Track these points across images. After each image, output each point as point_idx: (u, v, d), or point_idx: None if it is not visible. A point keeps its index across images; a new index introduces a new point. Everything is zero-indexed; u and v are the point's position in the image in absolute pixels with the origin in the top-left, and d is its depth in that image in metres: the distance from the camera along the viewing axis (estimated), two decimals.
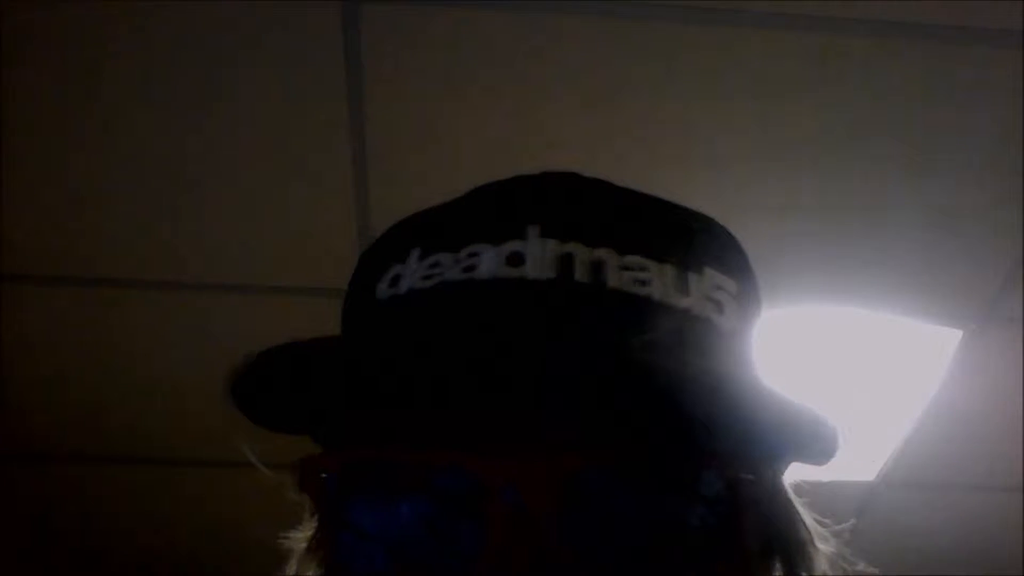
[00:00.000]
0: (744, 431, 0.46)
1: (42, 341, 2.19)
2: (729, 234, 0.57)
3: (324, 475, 0.49)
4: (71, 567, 2.98)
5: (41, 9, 1.51)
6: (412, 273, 0.52)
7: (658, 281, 0.50)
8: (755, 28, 1.53)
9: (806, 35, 1.54)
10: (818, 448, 0.49)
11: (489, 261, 0.50)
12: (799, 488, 0.55)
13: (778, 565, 0.53)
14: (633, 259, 0.50)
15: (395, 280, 0.52)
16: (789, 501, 0.54)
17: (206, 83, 1.62)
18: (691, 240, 0.53)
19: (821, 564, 0.54)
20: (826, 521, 0.56)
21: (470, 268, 0.50)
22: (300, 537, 0.58)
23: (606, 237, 0.51)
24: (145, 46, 1.56)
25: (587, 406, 0.46)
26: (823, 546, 0.55)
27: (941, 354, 2.17)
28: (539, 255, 0.50)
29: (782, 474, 0.53)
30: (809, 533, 0.54)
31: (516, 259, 0.50)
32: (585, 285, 0.49)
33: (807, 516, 0.55)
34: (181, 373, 2.26)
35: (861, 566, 0.59)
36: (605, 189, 0.56)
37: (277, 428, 0.52)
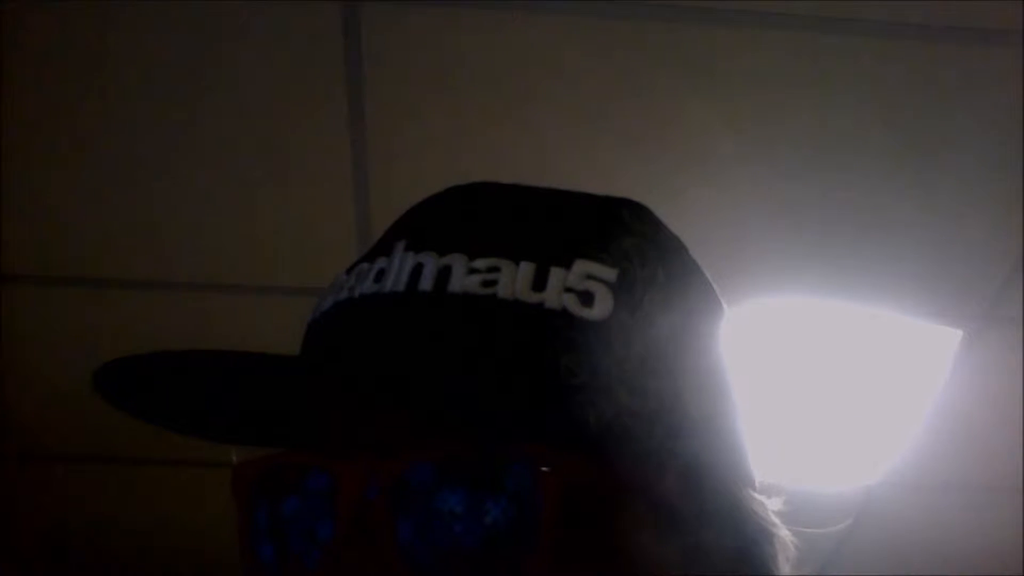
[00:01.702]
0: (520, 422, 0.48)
1: (42, 341, 2.19)
2: (640, 219, 0.57)
3: (240, 479, 0.55)
4: (71, 567, 2.98)
5: (41, 9, 1.51)
6: (323, 298, 0.57)
7: (507, 280, 0.51)
8: (755, 28, 1.53)
9: (806, 35, 1.54)
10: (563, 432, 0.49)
11: (363, 279, 0.55)
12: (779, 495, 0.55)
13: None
14: (483, 262, 0.52)
15: (321, 302, 0.58)
16: (729, 520, 0.53)
17: (206, 83, 1.62)
18: (568, 234, 0.54)
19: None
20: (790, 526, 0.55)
21: (351, 288, 0.55)
22: None
23: (458, 243, 0.53)
24: (145, 46, 1.56)
25: (416, 405, 0.49)
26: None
27: (941, 354, 2.17)
28: (396, 269, 0.53)
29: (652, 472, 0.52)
30: (760, 563, 0.53)
31: (380, 275, 0.54)
32: (425, 293, 0.52)
33: (769, 540, 0.54)
34: None
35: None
36: (498, 195, 0.58)
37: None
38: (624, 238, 0.55)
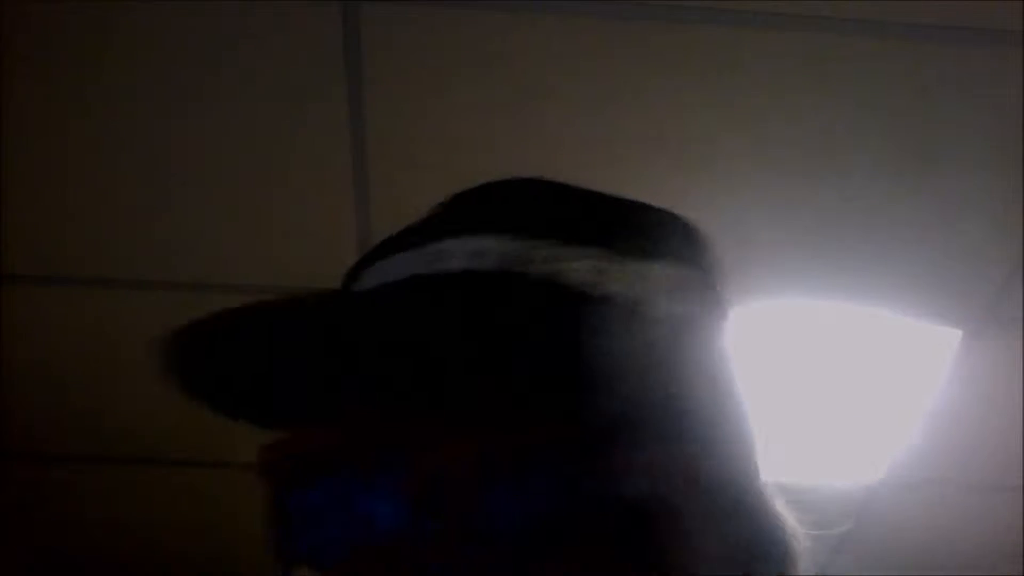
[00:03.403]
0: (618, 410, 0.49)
1: (42, 341, 2.19)
2: (684, 226, 0.60)
3: (281, 459, 0.53)
4: (71, 567, 2.98)
5: (41, 9, 1.51)
6: (380, 271, 0.56)
7: (576, 269, 0.53)
8: (755, 28, 1.53)
9: (806, 35, 1.54)
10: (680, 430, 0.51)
11: (450, 257, 0.54)
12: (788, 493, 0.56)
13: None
14: (552, 250, 0.54)
15: (366, 277, 0.57)
16: (752, 513, 0.54)
17: (206, 83, 1.62)
18: (627, 233, 0.56)
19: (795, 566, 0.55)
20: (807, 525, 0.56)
21: (432, 262, 0.54)
22: None
23: (524, 229, 0.55)
24: (144, 46, 1.56)
25: (495, 387, 0.50)
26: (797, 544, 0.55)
27: (941, 354, 2.17)
28: (459, 251, 0.54)
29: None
30: (779, 556, 0.54)
31: (443, 256, 0.54)
32: (495, 274, 0.53)
33: (787, 535, 0.55)
34: None
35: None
36: (559, 190, 0.60)
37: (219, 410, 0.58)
38: (674, 243, 0.57)
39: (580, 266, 0.53)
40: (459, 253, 0.54)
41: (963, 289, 2.01)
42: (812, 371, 2.22)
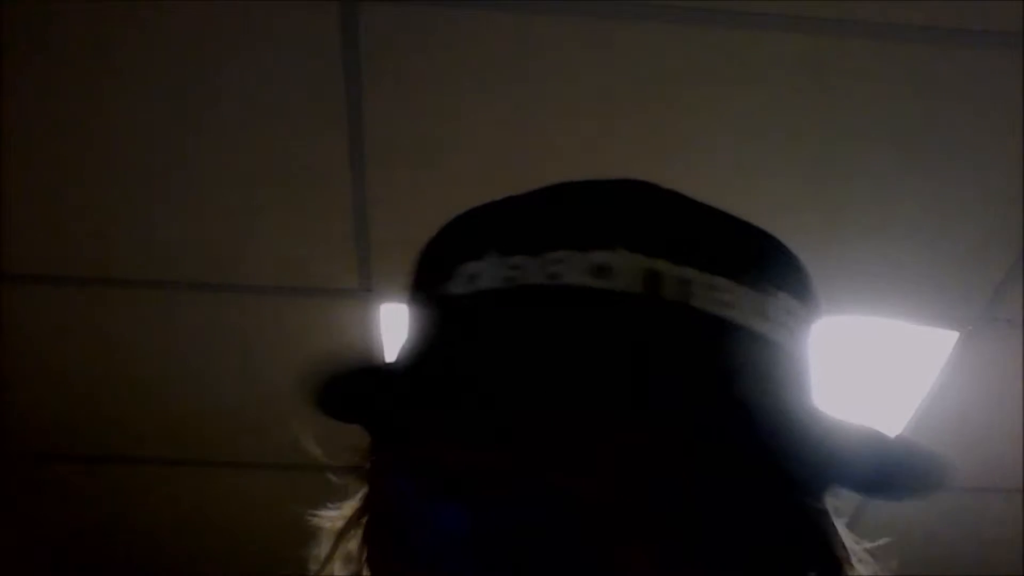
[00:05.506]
0: (821, 464, 0.48)
1: (42, 341, 2.19)
2: (793, 255, 0.58)
3: (409, 467, 0.51)
4: (71, 567, 2.98)
5: (41, 9, 1.51)
6: (490, 273, 0.52)
7: (739, 304, 0.51)
8: (755, 28, 1.54)
9: (806, 35, 1.54)
10: (906, 481, 0.52)
11: (574, 269, 0.50)
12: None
13: None
14: (717, 280, 0.51)
15: (472, 279, 0.52)
16: (831, 523, 0.56)
17: (205, 83, 1.63)
18: (765, 261, 0.55)
19: None
20: (862, 542, 0.59)
21: (554, 275, 0.50)
22: (336, 515, 0.60)
23: (691, 255, 0.51)
24: (144, 46, 1.56)
25: (680, 422, 0.47)
26: (860, 568, 0.57)
27: (937, 356, 2.17)
28: (626, 268, 0.50)
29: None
30: (846, 553, 0.57)
31: (603, 271, 0.50)
32: (672, 304, 0.50)
33: (846, 537, 0.57)
34: (181, 373, 2.26)
35: None
36: (683, 203, 0.57)
37: (347, 420, 0.53)
38: (798, 275, 0.56)
39: (743, 301, 0.51)
40: (579, 266, 0.50)
41: (960, 291, 2.01)
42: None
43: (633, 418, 0.47)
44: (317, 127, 1.70)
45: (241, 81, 1.62)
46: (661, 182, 0.59)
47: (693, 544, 0.48)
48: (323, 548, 0.61)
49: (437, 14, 1.52)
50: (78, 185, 1.81)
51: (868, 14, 1.51)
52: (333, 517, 0.60)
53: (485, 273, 0.51)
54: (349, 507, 0.59)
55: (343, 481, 0.58)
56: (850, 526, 0.59)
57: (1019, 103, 1.63)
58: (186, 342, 2.19)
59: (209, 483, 2.65)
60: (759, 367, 0.50)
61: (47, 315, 2.12)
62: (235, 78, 1.62)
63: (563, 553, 0.46)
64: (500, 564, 0.48)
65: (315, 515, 0.61)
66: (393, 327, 2.10)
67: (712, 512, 0.48)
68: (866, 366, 2.21)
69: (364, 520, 0.57)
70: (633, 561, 0.47)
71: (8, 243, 1.92)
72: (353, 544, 0.59)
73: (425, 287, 0.55)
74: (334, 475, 0.60)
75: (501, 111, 1.67)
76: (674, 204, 0.56)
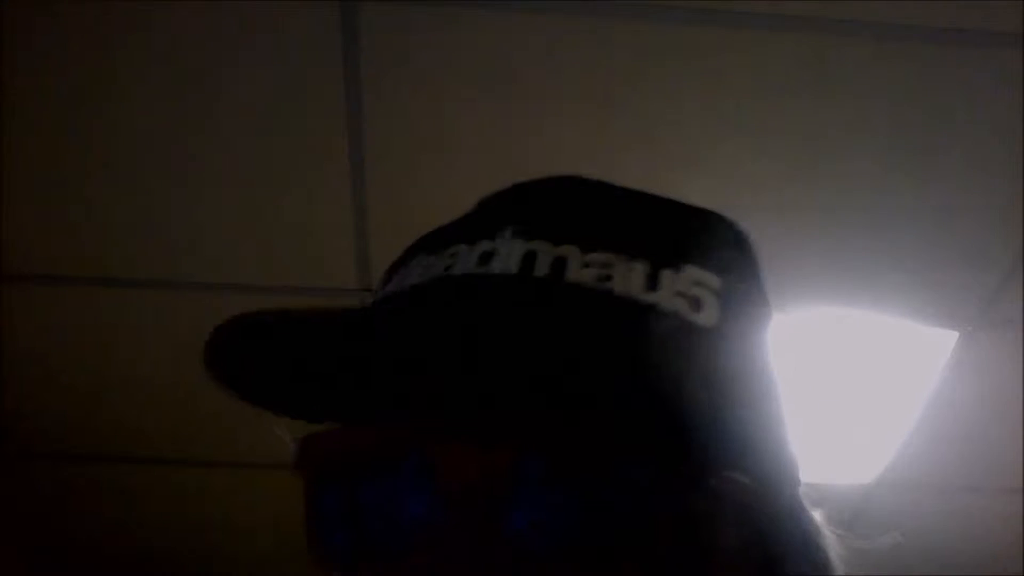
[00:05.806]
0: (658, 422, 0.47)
1: (42, 341, 2.19)
2: (734, 232, 0.58)
3: (310, 454, 0.53)
4: (71, 567, 2.98)
5: (41, 9, 1.51)
6: (416, 272, 0.56)
7: (621, 276, 0.52)
8: (755, 29, 1.54)
9: (806, 36, 1.54)
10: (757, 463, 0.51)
11: (463, 260, 0.54)
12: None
13: None
14: (597, 256, 0.52)
15: (403, 278, 0.57)
16: (798, 522, 0.55)
17: (205, 83, 1.63)
18: (674, 238, 0.55)
19: None
20: (862, 541, 0.57)
21: (448, 267, 0.54)
22: None
23: (572, 236, 0.53)
24: (144, 46, 1.56)
25: (533, 396, 0.48)
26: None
27: (938, 356, 2.17)
28: (505, 253, 0.53)
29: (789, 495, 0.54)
30: (822, 562, 0.55)
31: (486, 257, 0.53)
32: (541, 279, 0.51)
33: (825, 541, 0.56)
34: (181, 373, 2.26)
35: None
36: (599, 191, 0.58)
37: (256, 402, 0.57)
38: (724, 249, 0.56)
39: (629, 274, 0.52)
40: (468, 257, 0.53)
41: (960, 291, 2.01)
42: (809, 372, 2.22)
43: (464, 394, 0.49)
44: (317, 127, 1.70)
45: (241, 81, 1.62)
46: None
47: (556, 533, 0.48)
48: None
49: (437, 14, 1.52)
50: (78, 185, 1.81)
51: (868, 14, 1.51)
52: None
53: (412, 272, 0.56)
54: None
55: None
56: (850, 526, 0.58)
57: (1019, 103, 1.63)
58: (187, 341, 2.19)
59: (209, 483, 2.65)
60: (630, 334, 0.50)
61: (47, 315, 2.12)
62: (235, 78, 1.62)
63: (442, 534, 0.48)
64: (378, 540, 0.50)
65: None
66: None
67: (576, 502, 0.48)
68: (866, 366, 2.21)
69: None
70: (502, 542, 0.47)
71: (8, 243, 1.92)
72: None
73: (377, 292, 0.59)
74: None
75: (501, 111, 1.67)
76: (587, 193, 0.58)
